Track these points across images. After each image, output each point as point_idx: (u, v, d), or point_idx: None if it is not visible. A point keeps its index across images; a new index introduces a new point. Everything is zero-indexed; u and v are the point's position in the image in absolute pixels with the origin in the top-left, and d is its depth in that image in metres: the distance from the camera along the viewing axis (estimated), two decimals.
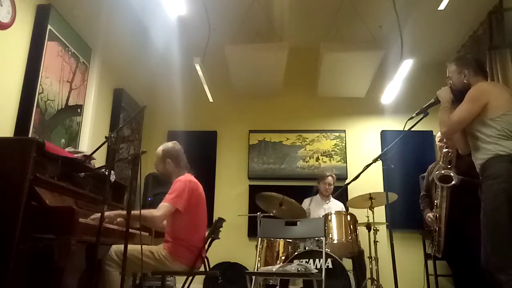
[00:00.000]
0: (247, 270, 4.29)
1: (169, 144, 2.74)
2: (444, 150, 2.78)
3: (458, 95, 2.33)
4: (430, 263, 4.19)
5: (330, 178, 4.30)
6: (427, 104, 2.45)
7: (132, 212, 2.11)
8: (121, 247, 2.32)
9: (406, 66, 4.14)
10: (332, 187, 4.30)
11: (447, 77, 2.41)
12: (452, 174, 2.63)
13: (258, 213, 3.74)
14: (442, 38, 4.73)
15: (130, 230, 2.39)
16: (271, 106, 5.33)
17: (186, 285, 2.47)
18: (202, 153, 5.03)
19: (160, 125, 5.27)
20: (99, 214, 2.15)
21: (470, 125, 2.23)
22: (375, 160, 2.75)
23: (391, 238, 2.54)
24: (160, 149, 2.71)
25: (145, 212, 2.35)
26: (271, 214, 3.67)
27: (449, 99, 2.34)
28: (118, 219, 2.42)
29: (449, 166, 2.73)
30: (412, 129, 2.59)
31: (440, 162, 2.81)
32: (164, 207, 2.41)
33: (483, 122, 2.16)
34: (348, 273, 3.04)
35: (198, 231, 2.58)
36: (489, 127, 2.13)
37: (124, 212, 2.33)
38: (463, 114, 2.20)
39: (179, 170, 2.67)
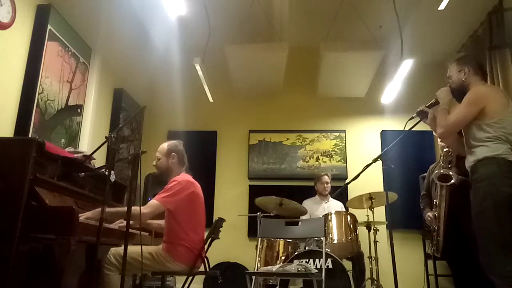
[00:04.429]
0: (247, 270, 4.29)
1: (175, 141, 2.73)
2: (445, 149, 2.78)
3: (457, 95, 2.34)
4: (430, 263, 4.20)
5: (325, 177, 4.33)
6: (427, 104, 2.46)
7: (120, 208, 2.09)
8: (119, 250, 2.32)
9: (406, 66, 4.14)
10: (329, 185, 4.31)
11: (448, 76, 2.42)
12: (451, 173, 2.63)
13: (258, 213, 3.74)
14: (442, 38, 4.72)
15: (130, 230, 2.39)
16: (271, 106, 5.33)
17: (186, 285, 2.47)
18: (202, 153, 5.03)
19: (160, 125, 5.27)
20: (95, 210, 2.17)
21: (466, 128, 2.24)
22: (375, 160, 2.75)
23: (391, 238, 2.53)
24: (165, 144, 2.70)
25: (133, 208, 2.28)
26: (271, 214, 3.68)
27: (448, 100, 2.34)
28: (120, 224, 2.43)
29: (449, 166, 2.73)
30: (412, 129, 2.59)
31: (441, 162, 2.82)
32: (153, 205, 2.39)
33: (479, 126, 2.16)
34: (348, 273, 3.04)
35: (196, 231, 2.57)
36: (483, 131, 2.14)
37: (114, 209, 2.33)
38: (459, 117, 2.20)
39: (181, 167, 2.66)
